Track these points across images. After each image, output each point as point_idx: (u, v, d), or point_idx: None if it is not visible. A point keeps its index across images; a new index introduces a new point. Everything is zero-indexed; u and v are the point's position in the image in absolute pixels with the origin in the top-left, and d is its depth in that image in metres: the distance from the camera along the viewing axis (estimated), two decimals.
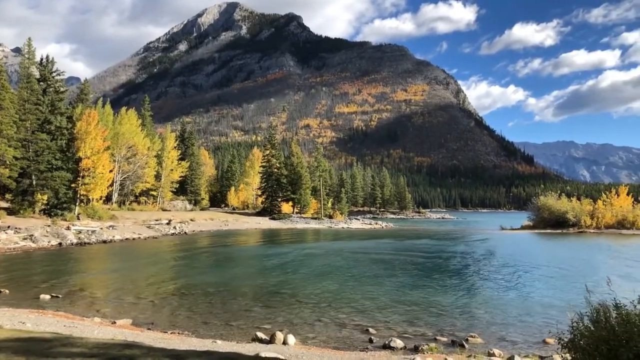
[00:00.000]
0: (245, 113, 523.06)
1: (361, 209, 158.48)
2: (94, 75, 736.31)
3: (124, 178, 66.44)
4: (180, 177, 77.77)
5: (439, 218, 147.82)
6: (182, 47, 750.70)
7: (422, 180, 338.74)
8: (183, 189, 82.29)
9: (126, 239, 42.35)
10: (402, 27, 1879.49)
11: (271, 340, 11.28)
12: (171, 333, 12.12)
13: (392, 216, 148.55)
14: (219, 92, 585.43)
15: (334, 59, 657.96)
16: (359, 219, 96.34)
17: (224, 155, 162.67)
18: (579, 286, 14.98)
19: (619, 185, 76.71)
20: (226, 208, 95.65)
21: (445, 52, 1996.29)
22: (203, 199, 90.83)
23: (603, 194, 71.00)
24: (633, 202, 68.98)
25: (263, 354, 8.17)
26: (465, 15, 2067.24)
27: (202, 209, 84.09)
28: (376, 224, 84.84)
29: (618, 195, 68.81)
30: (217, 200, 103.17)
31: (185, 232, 52.41)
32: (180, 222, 56.91)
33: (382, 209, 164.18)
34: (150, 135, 74.71)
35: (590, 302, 6.93)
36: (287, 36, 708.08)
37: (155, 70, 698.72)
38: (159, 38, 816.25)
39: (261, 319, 14.33)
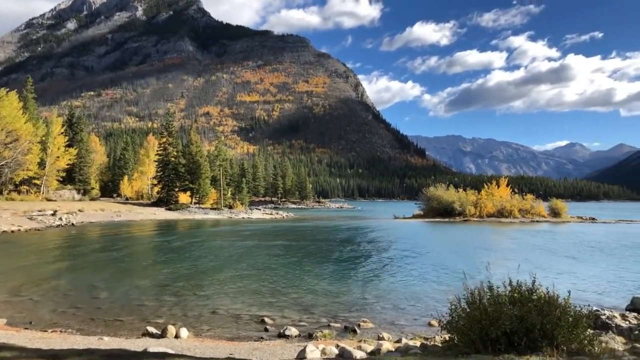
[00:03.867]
0: (140, 98, 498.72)
1: (263, 198, 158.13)
2: None
3: (2, 165, 60.54)
4: (67, 165, 72.49)
5: (338, 207, 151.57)
6: (71, 25, 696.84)
7: (323, 170, 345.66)
8: (71, 177, 76.95)
9: (3, 231, 38.69)
10: (309, 19, 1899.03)
11: (162, 335, 10.92)
12: (52, 332, 11.30)
13: (293, 206, 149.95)
14: (112, 75, 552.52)
15: (235, 47, 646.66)
16: (260, 209, 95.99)
17: (117, 142, 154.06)
18: (463, 270, 16.14)
19: (499, 177, 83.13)
20: (119, 198, 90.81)
21: (350, 47, 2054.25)
22: (93, 188, 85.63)
23: (486, 185, 76.82)
24: (511, 192, 75.27)
25: (151, 349, 7.87)
26: (371, 12, 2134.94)
27: (92, 199, 79.16)
28: (277, 213, 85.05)
29: (499, 186, 74.70)
30: (109, 189, 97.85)
31: (72, 224, 48.98)
32: (68, 213, 53.10)
33: (284, 199, 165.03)
34: (34, 120, 68.65)
35: (468, 285, 7.49)
36: (186, 20, 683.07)
37: (39, 49, 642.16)
38: (44, 14, 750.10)
39: (153, 313, 13.81)
